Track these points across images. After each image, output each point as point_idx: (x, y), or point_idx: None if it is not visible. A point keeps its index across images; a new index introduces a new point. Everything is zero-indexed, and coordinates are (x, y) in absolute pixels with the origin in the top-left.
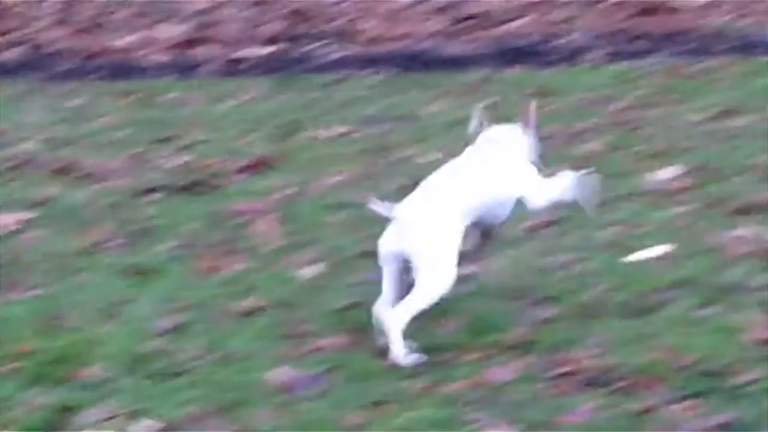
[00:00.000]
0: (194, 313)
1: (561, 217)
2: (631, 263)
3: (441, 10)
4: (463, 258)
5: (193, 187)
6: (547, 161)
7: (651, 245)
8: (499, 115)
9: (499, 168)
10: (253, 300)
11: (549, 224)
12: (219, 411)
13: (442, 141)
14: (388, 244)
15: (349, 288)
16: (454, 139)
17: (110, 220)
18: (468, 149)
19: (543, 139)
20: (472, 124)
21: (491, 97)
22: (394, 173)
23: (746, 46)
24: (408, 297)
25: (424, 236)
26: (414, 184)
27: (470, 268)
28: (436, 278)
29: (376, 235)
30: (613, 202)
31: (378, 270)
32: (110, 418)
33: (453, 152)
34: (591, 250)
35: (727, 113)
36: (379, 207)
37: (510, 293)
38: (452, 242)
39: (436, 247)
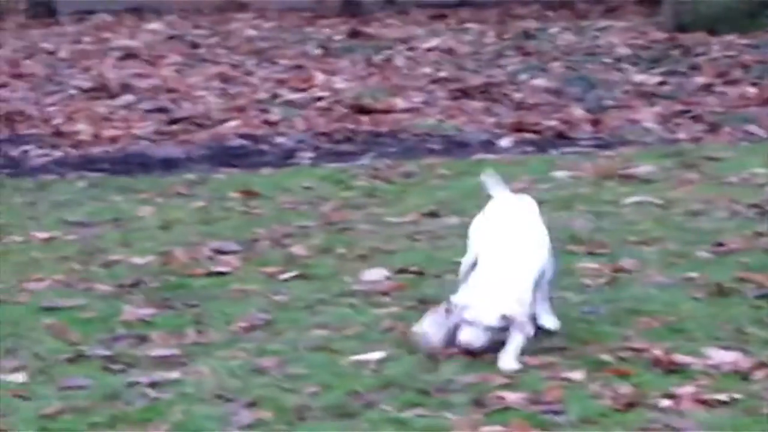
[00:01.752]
0: None
1: (268, 319)
2: (339, 365)
3: (152, 112)
4: None
5: None
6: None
7: (359, 347)
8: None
9: None
10: None
11: (256, 327)
12: None
13: (152, 243)
14: None
15: (57, 393)
16: (164, 241)
17: None
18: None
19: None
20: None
21: (201, 199)
22: (105, 277)
23: (453, 147)
24: None
25: None
26: (131, 285)
27: (176, 373)
28: None
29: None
30: (321, 304)
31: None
32: None
33: (165, 254)
34: (298, 353)
35: (433, 214)
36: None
37: (218, 397)
38: None
39: None
